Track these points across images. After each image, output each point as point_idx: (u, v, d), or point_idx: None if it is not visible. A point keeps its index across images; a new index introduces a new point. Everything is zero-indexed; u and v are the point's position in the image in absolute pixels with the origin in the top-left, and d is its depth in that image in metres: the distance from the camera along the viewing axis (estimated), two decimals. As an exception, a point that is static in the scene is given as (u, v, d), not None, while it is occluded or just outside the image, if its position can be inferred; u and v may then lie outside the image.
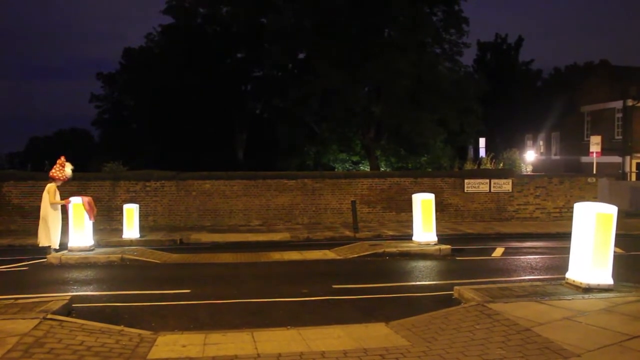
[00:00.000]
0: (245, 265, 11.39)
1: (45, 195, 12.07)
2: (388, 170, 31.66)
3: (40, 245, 12.05)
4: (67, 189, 15.46)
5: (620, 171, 29.92)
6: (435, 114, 30.76)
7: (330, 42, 30.08)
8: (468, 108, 31.70)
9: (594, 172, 22.99)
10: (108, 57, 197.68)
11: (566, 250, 8.26)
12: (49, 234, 11.94)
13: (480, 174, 20.27)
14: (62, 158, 12.43)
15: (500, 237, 15.70)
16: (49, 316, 6.41)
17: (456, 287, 8.10)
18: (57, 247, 12.11)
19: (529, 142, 43.55)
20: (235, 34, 38.52)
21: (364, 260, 11.78)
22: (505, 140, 40.12)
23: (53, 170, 12.24)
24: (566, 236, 8.87)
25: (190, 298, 8.35)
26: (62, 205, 12.31)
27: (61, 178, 12.17)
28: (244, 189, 18.62)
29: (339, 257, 12.18)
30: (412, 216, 13.24)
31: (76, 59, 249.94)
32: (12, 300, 7.33)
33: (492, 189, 19.48)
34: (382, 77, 30.02)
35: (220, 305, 7.96)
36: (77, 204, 12.22)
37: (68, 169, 12.27)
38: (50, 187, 12.06)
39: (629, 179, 28.98)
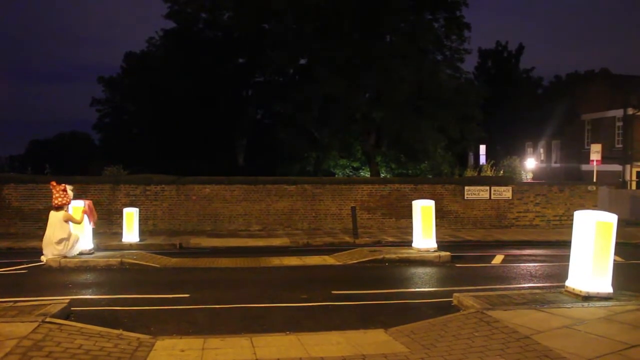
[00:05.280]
0: (244, 270, 11.39)
1: (58, 222, 11.67)
2: (388, 176, 31.66)
3: (45, 259, 11.66)
4: (68, 192, 15.48)
5: (620, 180, 29.95)
6: (435, 120, 30.79)
7: (331, 48, 30.13)
8: (468, 115, 31.69)
9: (594, 180, 22.98)
10: (109, 61, 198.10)
11: (566, 258, 8.26)
12: (67, 245, 11.70)
13: (480, 181, 20.28)
14: (59, 184, 12.02)
15: (500, 245, 15.69)
16: (48, 319, 6.40)
17: (455, 294, 8.09)
18: (91, 246, 12.46)
19: (530, 150, 43.58)
20: (237, 39, 38.60)
21: (364, 267, 11.77)
22: (506, 148, 40.12)
23: (59, 200, 11.78)
24: (566, 244, 8.87)
25: (190, 303, 8.35)
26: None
27: (68, 203, 12.00)
28: (244, 194, 18.62)
29: (338, 263, 12.17)
30: (412, 222, 13.22)
31: (77, 63, 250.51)
32: (11, 303, 7.32)
33: (492, 196, 19.48)
34: (382, 84, 30.06)
35: (219, 310, 7.95)
36: (77, 207, 12.23)
37: (70, 191, 12.08)
38: (65, 215, 11.78)
39: (629, 188, 28.99)
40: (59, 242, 11.64)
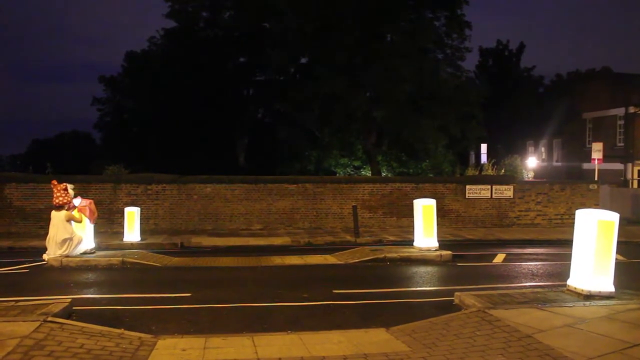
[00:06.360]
0: (245, 270, 11.39)
1: (60, 222, 11.75)
2: (389, 175, 31.64)
3: (49, 256, 11.71)
4: (69, 192, 15.48)
5: (622, 178, 29.93)
6: (436, 119, 30.75)
7: (331, 47, 30.11)
8: (469, 114, 31.64)
9: (596, 179, 22.93)
10: (110, 61, 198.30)
11: (567, 257, 8.25)
12: (71, 245, 11.77)
13: (481, 180, 20.26)
14: (62, 183, 12.10)
15: (502, 243, 15.68)
16: (50, 319, 6.41)
17: (457, 293, 8.09)
18: (92, 245, 12.51)
19: (531, 149, 43.55)
20: (238, 38, 38.60)
21: (365, 266, 11.77)
22: (507, 146, 40.08)
23: (59, 199, 11.82)
24: (567, 243, 8.86)
25: (191, 302, 8.35)
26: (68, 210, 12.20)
27: (70, 202, 12.01)
28: (245, 193, 18.63)
29: (339, 262, 12.17)
30: (413, 221, 13.23)
31: (78, 62, 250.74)
32: (12, 303, 7.33)
33: (494, 195, 19.47)
34: (383, 83, 30.02)
35: (220, 309, 7.96)
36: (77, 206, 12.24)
37: (70, 190, 12.13)
38: (66, 214, 11.84)
39: (630, 186, 28.99)
40: (63, 242, 11.67)
